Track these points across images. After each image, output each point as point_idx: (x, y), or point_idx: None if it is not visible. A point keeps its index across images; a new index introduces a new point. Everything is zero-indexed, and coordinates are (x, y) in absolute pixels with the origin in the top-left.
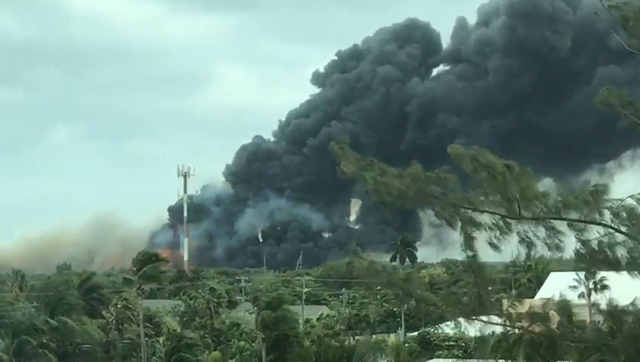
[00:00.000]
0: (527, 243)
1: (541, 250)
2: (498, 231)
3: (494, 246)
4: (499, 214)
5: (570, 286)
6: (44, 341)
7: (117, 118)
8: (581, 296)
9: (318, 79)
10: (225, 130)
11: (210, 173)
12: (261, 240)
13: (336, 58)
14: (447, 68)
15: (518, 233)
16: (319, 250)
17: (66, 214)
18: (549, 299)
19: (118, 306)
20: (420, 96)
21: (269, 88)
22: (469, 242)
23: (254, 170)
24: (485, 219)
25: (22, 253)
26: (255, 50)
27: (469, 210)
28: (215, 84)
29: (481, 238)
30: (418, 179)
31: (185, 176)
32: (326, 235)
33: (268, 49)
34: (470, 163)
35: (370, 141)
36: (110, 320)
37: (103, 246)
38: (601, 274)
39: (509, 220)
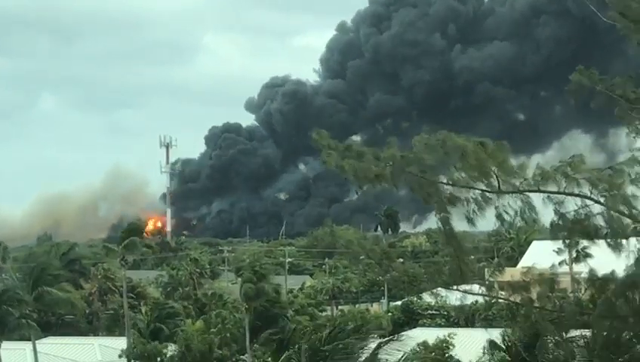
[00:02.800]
0: (502, 219)
1: (519, 223)
2: (476, 206)
3: (471, 221)
4: (478, 189)
5: (553, 251)
6: (27, 311)
7: (105, 87)
8: (562, 263)
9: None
10: (212, 100)
11: (197, 143)
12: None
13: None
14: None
15: (496, 207)
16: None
17: (53, 182)
18: (529, 268)
19: (99, 277)
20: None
21: (257, 58)
22: (445, 219)
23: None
24: (464, 194)
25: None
26: (244, 19)
27: (448, 187)
28: (203, 53)
29: (460, 211)
30: (394, 160)
31: (167, 147)
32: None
33: (257, 18)
34: (440, 148)
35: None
36: (93, 291)
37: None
38: (584, 243)
39: (488, 195)
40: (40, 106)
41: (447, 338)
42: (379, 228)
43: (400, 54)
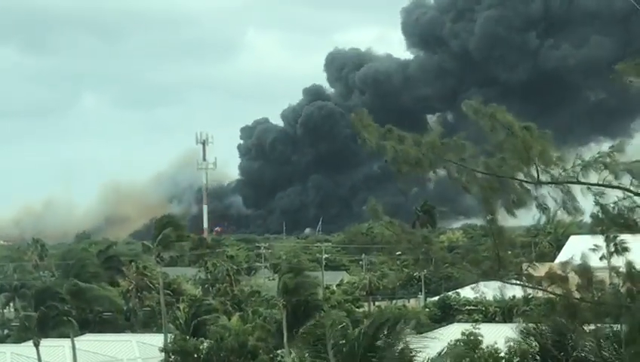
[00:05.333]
0: (544, 208)
1: (561, 215)
2: (516, 198)
3: (511, 213)
4: (517, 179)
5: (590, 249)
6: (66, 308)
7: (147, 85)
8: (602, 258)
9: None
10: (253, 96)
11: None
12: None
13: None
14: None
15: (536, 198)
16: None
17: (93, 180)
18: (567, 261)
19: (134, 274)
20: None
21: (298, 54)
22: (487, 206)
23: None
24: (504, 184)
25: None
26: (285, 15)
27: (487, 175)
28: (244, 50)
29: (500, 202)
30: (435, 146)
31: (203, 144)
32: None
33: (298, 14)
34: (488, 120)
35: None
36: (130, 288)
37: (120, 213)
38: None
39: (527, 185)
40: (81, 104)
41: (475, 331)
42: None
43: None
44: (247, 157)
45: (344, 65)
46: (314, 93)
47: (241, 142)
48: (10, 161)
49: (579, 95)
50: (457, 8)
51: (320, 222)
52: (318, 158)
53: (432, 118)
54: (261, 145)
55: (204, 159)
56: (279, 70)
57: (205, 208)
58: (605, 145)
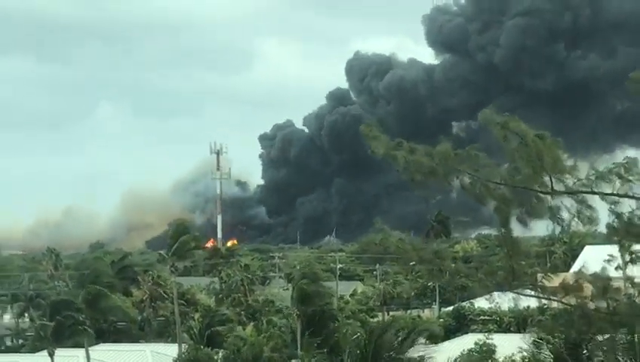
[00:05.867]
0: (559, 219)
1: (575, 225)
2: (530, 208)
3: (524, 224)
4: (531, 189)
5: (604, 260)
6: (81, 318)
7: (161, 95)
8: (617, 268)
9: None
10: (267, 106)
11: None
12: None
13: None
14: None
15: (550, 208)
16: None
17: (108, 190)
18: (581, 270)
19: (149, 283)
20: None
21: (312, 63)
22: (501, 217)
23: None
24: (517, 195)
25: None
26: (298, 25)
27: (500, 186)
28: (258, 59)
29: (514, 212)
30: (447, 156)
31: (217, 154)
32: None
33: (312, 24)
34: (501, 130)
35: None
36: (144, 297)
37: (141, 222)
38: (637, 246)
39: (541, 195)
40: (97, 114)
41: (488, 341)
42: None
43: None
44: (269, 166)
45: (366, 71)
46: (338, 98)
47: (262, 151)
48: (27, 171)
49: (605, 103)
50: (483, 17)
51: (334, 231)
52: (342, 165)
53: (460, 126)
54: (284, 152)
55: (218, 169)
56: (294, 79)
57: (219, 218)
58: (630, 153)
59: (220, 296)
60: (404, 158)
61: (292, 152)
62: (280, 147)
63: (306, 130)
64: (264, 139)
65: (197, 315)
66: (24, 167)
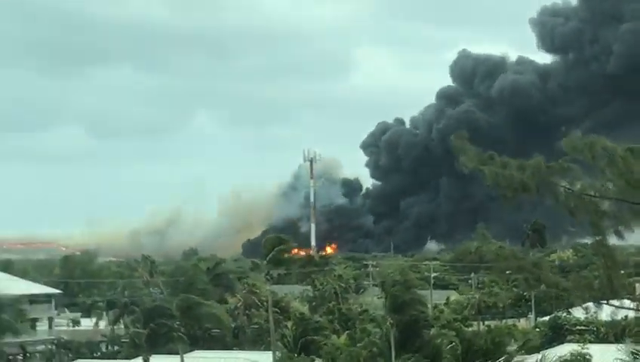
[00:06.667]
0: None
1: None
2: (625, 219)
3: (619, 235)
4: (625, 201)
5: None
6: (175, 325)
7: (258, 103)
8: None
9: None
10: (364, 114)
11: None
12: None
13: None
14: None
15: None
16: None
17: (208, 197)
18: None
19: (244, 291)
20: None
21: (409, 71)
22: (596, 230)
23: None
24: (611, 207)
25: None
26: (396, 32)
27: (594, 199)
28: (355, 67)
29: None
30: (540, 170)
31: (311, 162)
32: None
33: (409, 31)
34: (588, 152)
35: None
36: (238, 305)
37: (237, 228)
38: None
39: (635, 206)
40: (194, 123)
41: (583, 351)
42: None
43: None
44: (375, 170)
45: (474, 71)
46: (447, 97)
47: (367, 158)
48: (128, 180)
49: None
50: (596, 20)
51: (428, 240)
52: (451, 168)
53: (576, 132)
54: (391, 156)
55: (312, 177)
56: (390, 87)
57: (313, 226)
58: None
59: (314, 304)
60: (494, 173)
61: (399, 156)
62: (387, 151)
63: (414, 132)
64: (367, 145)
65: (290, 323)
66: (125, 175)
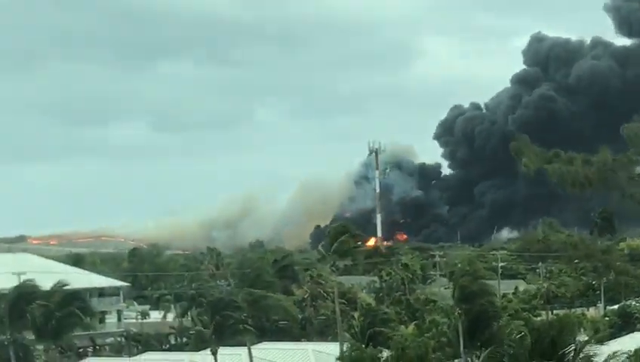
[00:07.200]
0: None
1: None
2: None
3: None
4: None
5: None
6: (242, 317)
7: (325, 94)
8: None
9: None
10: (432, 103)
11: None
12: None
13: None
14: None
15: None
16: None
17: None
18: None
19: (309, 283)
20: None
21: (477, 60)
22: None
23: None
24: None
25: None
26: (463, 22)
27: None
28: (422, 57)
29: None
30: (606, 164)
31: (376, 153)
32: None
33: (476, 20)
34: None
35: None
36: (305, 296)
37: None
38: None
39: None
40: (258, 115)
41: None
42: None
43: None
44: (452, 160)
45: (548, 54)
46: (522, 81)
47: (441, 148)
48: (193, 173)
49: None
50: None
51: (495, 231)
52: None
53: None
54: (468, 143)
55: (377, 168)
56: (458, 77)
57: (379, 217)
58: None
59: (381, 294)
60: (556, 171)
61: (475, 143)
62: (462, 139)
63: (491, 117)
64: (441, 134)
65: (357, 314)
66: (193, 167)
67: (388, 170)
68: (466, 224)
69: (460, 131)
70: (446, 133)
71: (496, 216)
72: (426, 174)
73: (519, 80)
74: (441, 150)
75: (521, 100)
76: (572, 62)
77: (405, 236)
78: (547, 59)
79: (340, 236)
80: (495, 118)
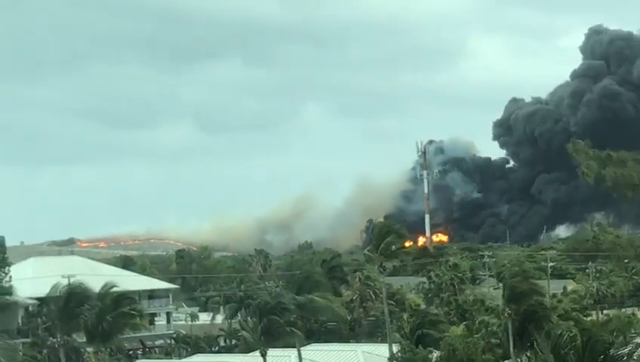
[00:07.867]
0: None
1: None
2: None
3: None
4: None
5: None
6: (291, 319)
7: (367, 94)
8: None
9: None
10: (476, 103)
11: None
12: None
13: None
14: None
15: None
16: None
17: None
18: None
19: (358, 284)
20: None
21: (521, 59)
22: None
23: None
24: None
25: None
26: (507, 20)
27: None
28: (466, 57)
29: None
30: None
31: (424, 153)
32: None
33: (521, 19)
34: None
35: None
36: (354, 298)
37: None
38: None
39: None
40: (302, 115)
41: None
42: None
43: None
44: (513, 157)
45: (608, 48)
46: (583, 75)
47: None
48: (239, 175)
49: None
50: None
51: (544, 229)
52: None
53: None
54: (529, 139)
55: (425, 168)
56: (501, 75)
57: (427, 217)
58: None
59: (430, 295)
60: (613, 175)
61: (537, 140)
62: (523, 136)
63: (554, 113)
64: (499, 133)
65: (406, 315)
66: (238, 169)
67: (438, 171)
68: (524, 222)
69: (521, 129)
70: (505, 131)
71: (557, 214)
72: (486, 171)
73: (580, 75)
74: (505, 151)
75: (584, 97)
76: (634, 57)
77: (447, 236)
78: (606, 54)
79: (386, 236)
80: (559, 116)
